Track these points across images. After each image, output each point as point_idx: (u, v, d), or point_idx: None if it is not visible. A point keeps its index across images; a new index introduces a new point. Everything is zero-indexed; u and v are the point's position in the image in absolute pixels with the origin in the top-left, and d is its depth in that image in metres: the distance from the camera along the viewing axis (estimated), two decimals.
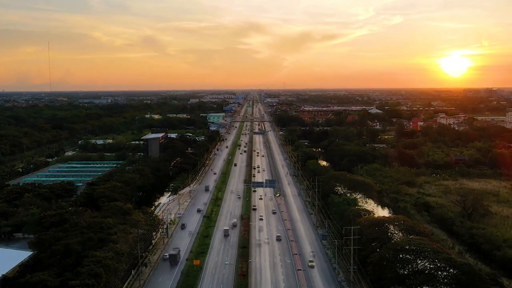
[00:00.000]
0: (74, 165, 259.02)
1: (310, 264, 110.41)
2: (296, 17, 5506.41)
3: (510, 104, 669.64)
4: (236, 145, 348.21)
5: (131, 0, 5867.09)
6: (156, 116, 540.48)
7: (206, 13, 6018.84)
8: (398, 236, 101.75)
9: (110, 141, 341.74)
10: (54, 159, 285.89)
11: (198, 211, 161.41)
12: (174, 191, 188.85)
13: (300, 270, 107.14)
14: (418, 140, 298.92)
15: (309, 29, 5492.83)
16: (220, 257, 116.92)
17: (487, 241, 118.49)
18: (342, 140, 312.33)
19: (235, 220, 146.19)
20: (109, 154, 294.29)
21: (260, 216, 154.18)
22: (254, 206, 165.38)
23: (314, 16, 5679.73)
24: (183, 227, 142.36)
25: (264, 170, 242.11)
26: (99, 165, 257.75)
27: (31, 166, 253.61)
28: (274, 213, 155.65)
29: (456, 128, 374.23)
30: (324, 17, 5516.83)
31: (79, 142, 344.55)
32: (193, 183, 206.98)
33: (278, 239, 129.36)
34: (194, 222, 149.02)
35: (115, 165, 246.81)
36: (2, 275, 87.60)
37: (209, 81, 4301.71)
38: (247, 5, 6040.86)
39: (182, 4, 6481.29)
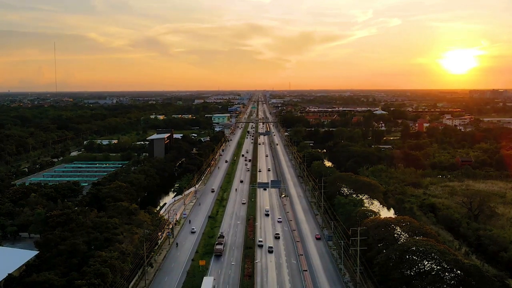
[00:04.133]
0: (80, 165, 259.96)
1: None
2: (297, 18, 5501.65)
3: None
4: (240, 145, 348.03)
5: (134, 0, 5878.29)
6: (161, 117, 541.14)
7: (207, 13, 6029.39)
8: (404, 237, 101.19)
9: (115, 141, 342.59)
10: (59, 159, 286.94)
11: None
12: (179, 192, 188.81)
13: (306, 271, 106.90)
14: (423, 141, 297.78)
15: (310, 30, 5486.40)
16: (225, 256, 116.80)
17: (494, 243, 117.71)
18: (347, 141, 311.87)
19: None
20: (114, 154, 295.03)
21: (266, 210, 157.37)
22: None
23: (315, 17, 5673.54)
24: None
25: (269, 171, 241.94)
26: (104, 166, 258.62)
27: (37, 166, 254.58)
28: (279, 221, 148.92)
29: (461, 130, 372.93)
30: (324, 18, 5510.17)
31: (84, 142, 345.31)
32: (198, 184, 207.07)
33: (278, 237, 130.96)
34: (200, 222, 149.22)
35: (120, 165, 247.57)
36: (8, 274, 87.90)
37: (213, 82, 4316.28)
38: (248, 5, 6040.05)
39: (183, 5, 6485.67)
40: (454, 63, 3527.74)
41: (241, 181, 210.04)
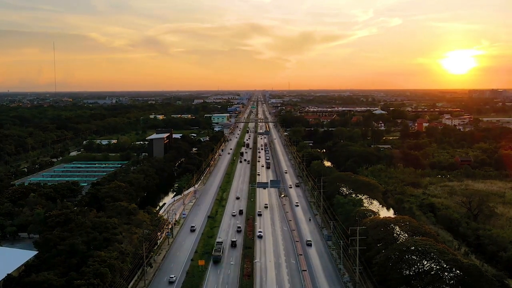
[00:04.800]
0: (79, 165, 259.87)
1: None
2: (297, 18, 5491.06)
3: None
4: (240, 145, 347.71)
5: (134, 0, 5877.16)
6: (161, 117, 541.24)
7: (207, 13, 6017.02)
8: (404, 237, 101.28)
9: (115, 141, 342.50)
10: (58, 159, 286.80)
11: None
12: (179, 192, 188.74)
13: (305, 270, 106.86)
14: (423, 141, 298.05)
15: (311, 30, 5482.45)
16: (224, 257, 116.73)
17: (493, 242, 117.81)
18: (346, 141, 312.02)
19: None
20: (113, 154, 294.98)
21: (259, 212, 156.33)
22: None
23: (315, 17, 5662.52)
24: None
25: (268, 169, 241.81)
26: (103, 165, 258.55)
27: (36, 166, 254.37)
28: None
29: (461, 129, 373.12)
30: (325, 17, 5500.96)
31: (84, 142, 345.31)
32: (198, 183, 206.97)
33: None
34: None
35: (119, 165, 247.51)
36: (7, 274, 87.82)
37: (212, 81, 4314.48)
38: (248, 5, 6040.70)
39: (183, 5, 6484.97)
40: (454, 63, 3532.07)
41: (237, 198, 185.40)
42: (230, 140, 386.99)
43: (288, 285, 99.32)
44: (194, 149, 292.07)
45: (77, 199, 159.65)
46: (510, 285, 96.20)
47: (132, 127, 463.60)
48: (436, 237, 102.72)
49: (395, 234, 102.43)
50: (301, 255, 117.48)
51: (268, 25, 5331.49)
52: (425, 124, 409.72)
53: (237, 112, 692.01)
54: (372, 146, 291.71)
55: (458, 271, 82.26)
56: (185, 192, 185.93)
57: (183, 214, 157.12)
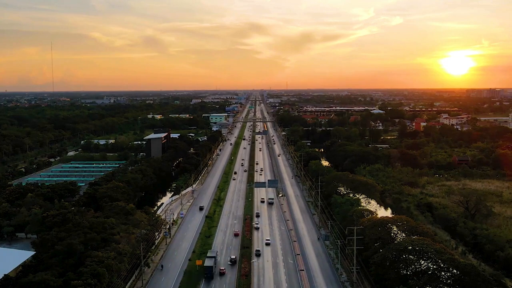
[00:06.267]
0: (77, 165, 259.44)
1: None
2: (297, 18, 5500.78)
3: None
4: (238, 145, 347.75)
5: (133, 0, 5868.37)
6: (158, 116, 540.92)
7: (207, 13, 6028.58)
8: (401, 236, 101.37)
9: (112, 141, 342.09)
10: (56, 159, 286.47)
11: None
12: (176, 191, 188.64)
13: (303, 270, 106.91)
14: (420, 140, 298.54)
15: (310, 30, 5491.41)
16: (222, 256, 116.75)
17: (490, 242, 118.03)
18: (344, 140, 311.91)
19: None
20: (111, 154, 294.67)
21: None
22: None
23: (315, 17, 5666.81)
24: None
25: (265, 170, 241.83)
26: (101, 165, 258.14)
27: (34, 166, 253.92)
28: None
29: (458, 129, 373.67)
30: (325, 17, 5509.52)
31: (81, 142, 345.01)
32: (196, 183, 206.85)
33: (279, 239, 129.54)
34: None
35: (117, 165, 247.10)
36: (4, 274, 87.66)
37: (211, 81, 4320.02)
38: (248, 5, 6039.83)
39: (183, 5, 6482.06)
40: (452, 62, 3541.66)
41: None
42: (228, 139, 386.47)
43: (286, 285, 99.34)
44: (192, 149, 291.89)
45: (75, 199, 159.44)
46: (507, 285, 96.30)
47: (130, 127, 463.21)
48: (433, 237, 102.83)
49: (392, 234, 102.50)
50: (299, 254, 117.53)
51: (267, 25, 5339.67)
52: (423, 124, 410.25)
53: (235, 112, 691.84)
54: (370, 145, 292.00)
55: (455, 271, 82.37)
56: (183, 192, 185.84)
57: (181, 214, 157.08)
